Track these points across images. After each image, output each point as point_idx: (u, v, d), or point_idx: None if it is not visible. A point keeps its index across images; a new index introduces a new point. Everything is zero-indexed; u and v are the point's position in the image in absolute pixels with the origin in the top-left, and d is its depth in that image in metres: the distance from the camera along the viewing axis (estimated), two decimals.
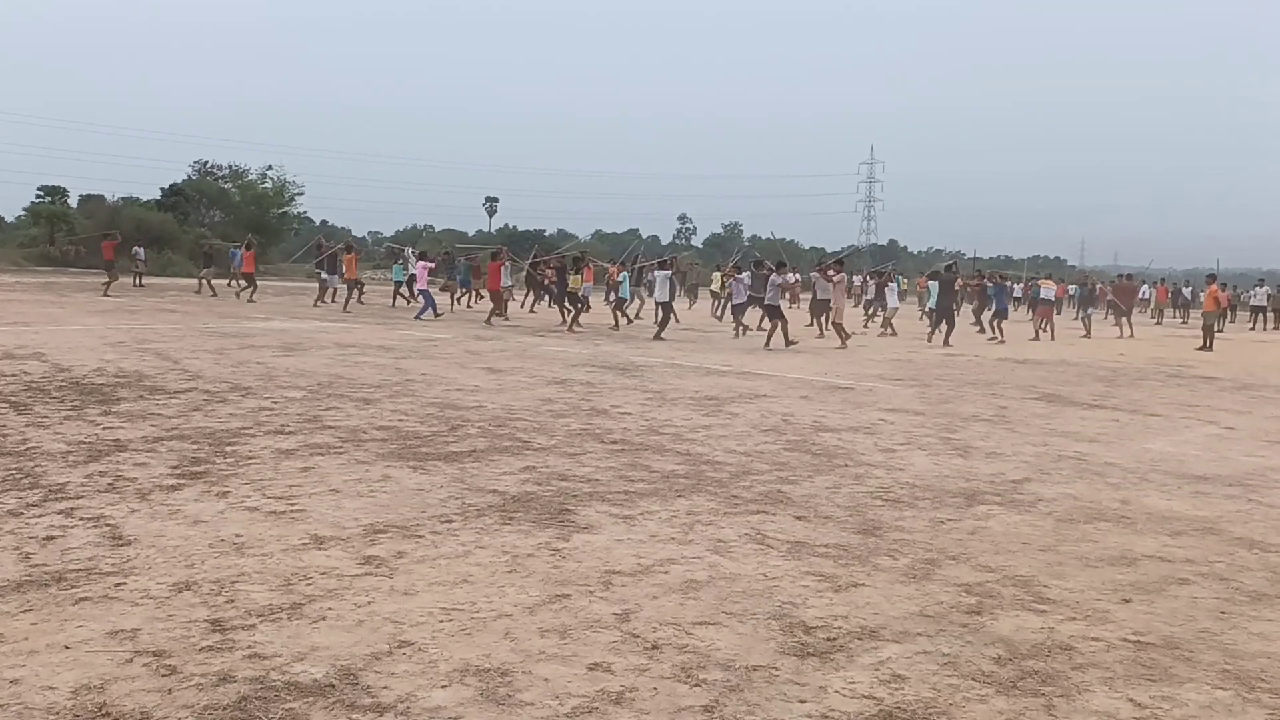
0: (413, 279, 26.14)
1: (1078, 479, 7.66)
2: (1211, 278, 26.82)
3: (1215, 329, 24.42)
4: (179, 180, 58.61)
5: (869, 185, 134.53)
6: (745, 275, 23.43)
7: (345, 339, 17.33)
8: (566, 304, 22.70)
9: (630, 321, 24.12)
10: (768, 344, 19.23)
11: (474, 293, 30.25)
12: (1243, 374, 17.44)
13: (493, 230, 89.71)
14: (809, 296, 25.63)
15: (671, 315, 21.06)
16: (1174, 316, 42.15)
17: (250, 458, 7.23)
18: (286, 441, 7.86)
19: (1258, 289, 40.83)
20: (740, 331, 22.09)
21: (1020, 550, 5.63)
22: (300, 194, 59.26)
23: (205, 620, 4.09)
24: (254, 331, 18.17)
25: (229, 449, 7.50)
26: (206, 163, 61.01)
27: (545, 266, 27.86)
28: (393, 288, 31.11)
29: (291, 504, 5.97)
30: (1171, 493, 7.31)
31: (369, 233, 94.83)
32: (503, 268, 24.84)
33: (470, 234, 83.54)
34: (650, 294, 26.31)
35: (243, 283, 29.57)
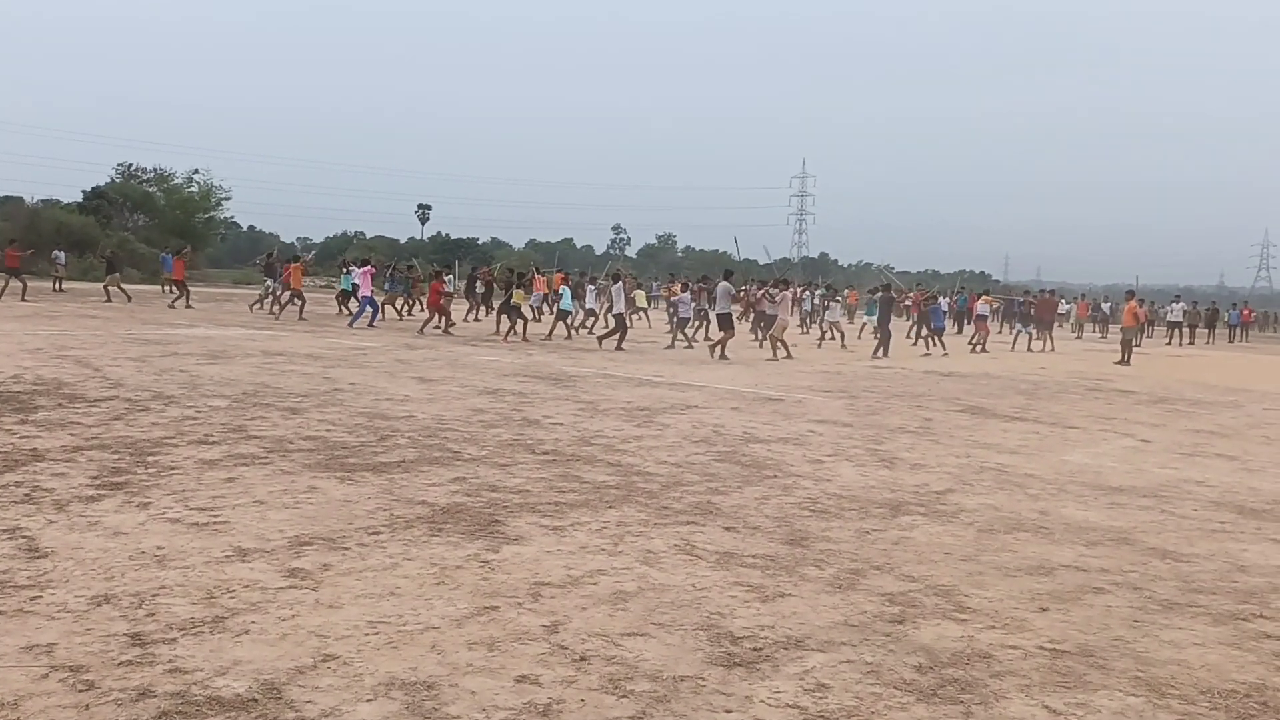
0: (357, 288, 25.79)
1: (999, 490, 7.84)
2: (1131, 294, 27.56)
3: (1133, 344, 25.09)
4: (102, 183, 57.42)
5: (800, 199, 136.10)
6: (687, 294, 23.76)
7: (272, 347, 17.07)
8: (507, 316, 22.66)
9: (569, 335, 24.13)
10: (718, 354, 19.51)
11: (410, 302, 30.11)
12: (1158, 388, 17.96)
13: (425, 238, 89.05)
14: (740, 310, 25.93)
15: (621, 326, 21.28)
16: (1094, 331, 43.21)
17: (173, 468, 7.09)
18: (210, 451, 7.73)
19: (1174, 305, 42.07)
20: (675, 344, 22.34)
21: (942, 560, 5.75)
22: (227, 198, 58.38)
23: (125, 634, 4.01)
24: (178, 338, 17.82)
25: (151, 459, 7.35)
26: (131, 165, 59.88)
27: (485, 276, 28.06)
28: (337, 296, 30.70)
29: (215, 515, 5.87)
30: (1088, 504, 7.51)
31: (298, 238, 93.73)
32: (444, 284, 24.90)
33: (402, 241, 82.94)
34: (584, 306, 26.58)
35: (174, 290, 28.97)
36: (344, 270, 29.58)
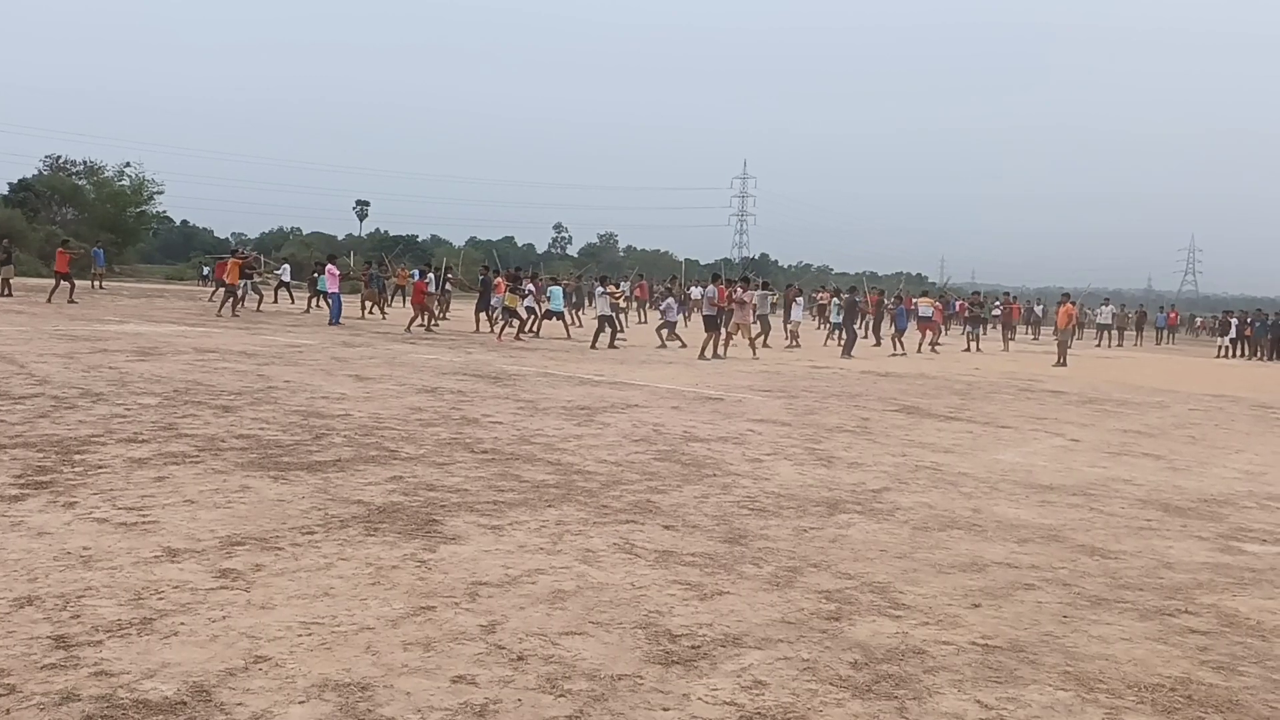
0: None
1: (933, 488, 7.94)
2: (1066, 296, 28.09)
3: (1068, 345, 25.58)
4: (29, 175, 55.98)
5: (742, 200, 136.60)
6: (671, 299, 24.07)
7: (205, 344, 16.76)
8: (504, 318, 22.82)
9: (533, 334, 24.16)
10: (709, 353, 19.71)
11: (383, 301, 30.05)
12: (1088, 389, 18.34)
13: (363, 235, 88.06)
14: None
15: (609, 327, 21.40)
16: (1026, 333, 44.01)
17: (100, 467, 6.93)
18: (139, 450, 7.56)
19: (1103, 308, 43.00)
20: (665, 343, 22.75)
21: (878, 557, 5.81)
22: (160, 193, 57.14)
23: (48, 637, 3.90)
24: (108, 335, 17.42)
25: (78, 457, 7.17)
26: (59, 158, 58.48)
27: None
28: (309, 295, 30.23)
29: (143, 515, 5.75)
30: (1020, 502, 7.64)
31: (232, 234, 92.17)
32: (427, 282, 24.96)
33: (340, 238, 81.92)
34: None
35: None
36: (317, 273, 29.29)
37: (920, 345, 26.86)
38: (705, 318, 20.91)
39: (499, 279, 24.42)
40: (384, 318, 27.83)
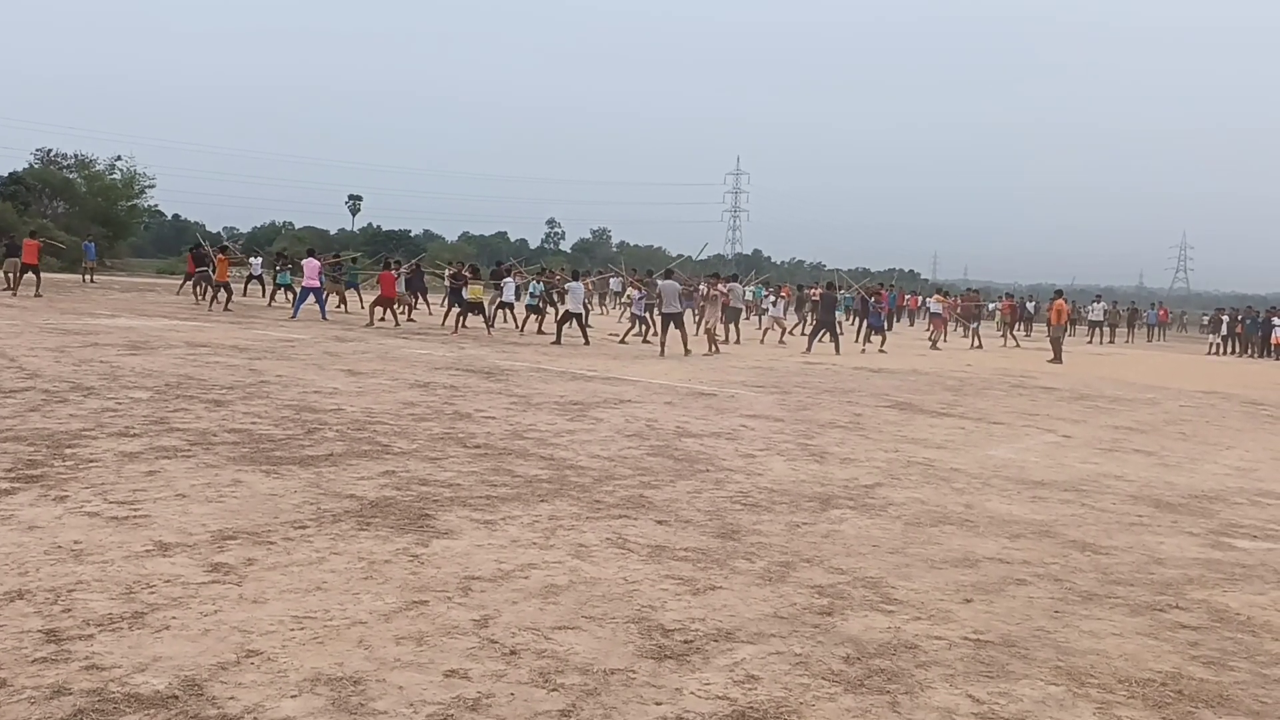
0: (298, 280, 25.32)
1: (925, 484, 7.96)
2: (1059, 293, 28.12)
3: (1062, 342, 25.59)
4: (19, 168, 55.68)
5: (735, 195, 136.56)
6: (637, 292, 23.86)
7: (196, 338, 16.71)
8: (466, 311, 22.68)
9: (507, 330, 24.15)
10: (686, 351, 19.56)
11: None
12: (1080, 385, 18.38)
13: (355, 230, 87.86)
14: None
15: (576, 323, 21.33)
16: (1020, 329, 44.09)
17: (91, 461, 6.91)
18: (131, 444, 7.54)
19: (1095, 304, 43.08)
20: (640, 337, 22.64)
21: (870, 552, 5.82)
22: (151, 186, 56.84)
23: (39, 630, 3.89)
24: (99, 329, 17.36)
25: (69, 451, 7.15)
26: (50, 151, 58.08)
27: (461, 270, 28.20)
28: (271, 289, 29.90)
29: (135, 509, 5.73)
30: (1012, 497, 7.66)
31: (224, 228, 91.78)
32: (397, 276, 24.82)
33: (333, 232, 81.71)
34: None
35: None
36: (281, 267, 29.00)
37: (935, 342, 27.09)
38: (667, 315, 20.47)
39: (455, 270, 24.12)
40: (346, 310, 27.81)
